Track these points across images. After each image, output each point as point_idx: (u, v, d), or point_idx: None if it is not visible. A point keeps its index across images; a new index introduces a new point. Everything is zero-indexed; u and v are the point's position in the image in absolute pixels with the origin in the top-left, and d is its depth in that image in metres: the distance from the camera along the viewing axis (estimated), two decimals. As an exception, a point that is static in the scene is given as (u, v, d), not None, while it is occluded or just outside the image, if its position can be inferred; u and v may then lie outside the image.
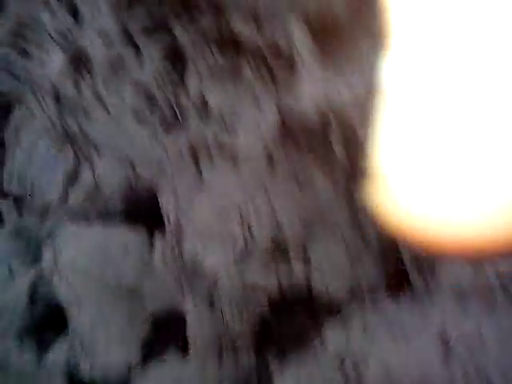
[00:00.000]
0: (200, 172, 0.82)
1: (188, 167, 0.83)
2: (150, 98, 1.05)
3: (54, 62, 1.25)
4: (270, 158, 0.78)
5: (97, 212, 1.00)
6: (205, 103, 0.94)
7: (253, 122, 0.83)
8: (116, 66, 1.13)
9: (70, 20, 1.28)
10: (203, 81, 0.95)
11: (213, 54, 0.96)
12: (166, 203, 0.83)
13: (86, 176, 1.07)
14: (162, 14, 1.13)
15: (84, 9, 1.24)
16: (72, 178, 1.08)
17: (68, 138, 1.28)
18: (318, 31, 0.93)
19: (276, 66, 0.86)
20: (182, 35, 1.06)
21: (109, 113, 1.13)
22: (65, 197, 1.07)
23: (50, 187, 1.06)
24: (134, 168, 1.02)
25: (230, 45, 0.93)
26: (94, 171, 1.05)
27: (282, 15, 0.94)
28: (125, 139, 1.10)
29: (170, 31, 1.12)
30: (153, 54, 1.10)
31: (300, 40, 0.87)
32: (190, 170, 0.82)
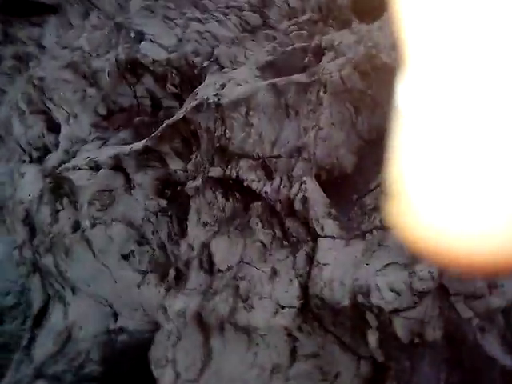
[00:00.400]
0: (209, 344, 0.72)
1: (193, 336, 0.73)
2: (141, 241, 0.96)
3: (28, 182, 1.15)
4: (290, 337, 0.70)
5: (69, 371, 0.88)
6: (209, 257, 0.86)
7: (270, 293, 0.75)
8: (103, 199, 1.04)
9: (47, 136, 1.20)
10: (206, 230, 0.88)
11: (217, 201, 0.90)
12: (164, 378, 0.72)
13: (56, 318, 0.96)
14: (156, 142, 1.07)
15: (64, 125, 1.17)
16: (39, 317, 0.96)
17: (38, 270, 1.15)
18: (327, 185, 0.90)
19: (291, 226, 0.81)
20: (180, 172, 1.00)
21: (91, 251, 1.03)
22: (30, 342, 0.95)
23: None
24: (116, 318, 0.92)
25: (238, 192, 0.88)
26: (67, 314, 0.94)
27: (293, 167, 0.91)
28: (108, 282, 0.99)
29: (165, 164, 1.06)
30: (145, 187, 1.03)
31: (314, 197, 0.82)
32: (195, 339, 0.73)
